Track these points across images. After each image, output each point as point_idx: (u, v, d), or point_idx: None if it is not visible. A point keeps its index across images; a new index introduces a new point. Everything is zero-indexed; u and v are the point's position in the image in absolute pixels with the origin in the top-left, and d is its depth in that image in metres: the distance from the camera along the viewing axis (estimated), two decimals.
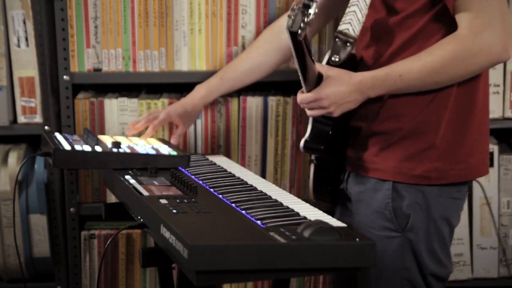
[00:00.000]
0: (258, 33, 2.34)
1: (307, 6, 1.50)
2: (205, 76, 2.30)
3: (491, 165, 2.43)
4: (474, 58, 1.66)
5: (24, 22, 2.36)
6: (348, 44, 1.74)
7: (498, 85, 2.41)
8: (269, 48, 2.13)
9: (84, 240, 2.42)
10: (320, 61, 1.81)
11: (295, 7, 1.52)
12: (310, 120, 1.83)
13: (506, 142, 2.54)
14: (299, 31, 1.53)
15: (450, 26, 1.70)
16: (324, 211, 1.59)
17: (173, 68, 2.36)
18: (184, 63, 2.36)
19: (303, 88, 1.75)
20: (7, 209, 2.39)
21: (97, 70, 2.36)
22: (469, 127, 1.76)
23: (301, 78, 1.71)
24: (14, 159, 2.40)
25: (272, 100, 2.36)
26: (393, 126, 1.77)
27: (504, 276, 2.50)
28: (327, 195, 1.93)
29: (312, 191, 1.92)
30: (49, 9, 2.35)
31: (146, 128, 2.21)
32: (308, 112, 1.76)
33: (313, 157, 1.89)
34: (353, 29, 1.74)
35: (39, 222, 2.42)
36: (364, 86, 1.71)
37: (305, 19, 1.51)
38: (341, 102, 1.72)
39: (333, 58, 1.76)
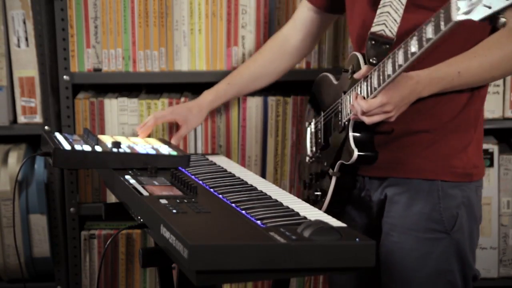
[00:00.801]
0: (258, 33, 2.34)
1: None
2: (205, 76, 2.30)
3: (491, 165, 2.43)
4: None
5: (24, 22, 2.36)
6: (385, 45, 1.68)
7: (498, 85, 2.41)
8: (274, 56, 2.14)
9: (84, 240, 2.42)
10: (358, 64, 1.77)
11: None
12: (351, 131, 1.73)
13: (506, 142, 2.54)
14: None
15: (486, 26, 1.68)
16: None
17: (173, 68, 2.36)
18: (184, 63, 2.36)
19: (365, 94, 1.67)
20: (7, 209, 2.39)
21: (97, 70, 2.37)
22: (482, 123, 1.80)
23: (386, 82, 1.60)
24: (14, 159, 2.41)
25: (272, 100, 2.36)
26: (434, 124, 1.75)
27: (504, 276, 2.50)
28: (342, 207, 1.89)
29: (327, 207, 1.85)
30: (49, 9, 2.35)
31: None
32: (368, 119, 1.65)
33: (336, 169, 1.81)
34: (390, 30, 1.69)
35: (39, 222, 2.42)
36: (420, 86, 1.65)
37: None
38: (401, 105, 1.64)
39: (371, 60, 1.69)
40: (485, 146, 2.37)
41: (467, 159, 1.76)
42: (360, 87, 1.71)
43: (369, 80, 1.67)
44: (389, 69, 1.59)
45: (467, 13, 1.36)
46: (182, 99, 2.36)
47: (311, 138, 2.03)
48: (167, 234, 1.38)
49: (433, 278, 1.77)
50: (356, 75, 1.75)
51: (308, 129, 2.06)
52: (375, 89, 1.64)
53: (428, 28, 1.46)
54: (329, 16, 2.07)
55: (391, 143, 1.78)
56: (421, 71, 1.67)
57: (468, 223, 1.77)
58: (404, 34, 1.68)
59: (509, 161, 2.45)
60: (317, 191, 1.91)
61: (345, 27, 2.36)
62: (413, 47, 1.50)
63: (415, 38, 1.50)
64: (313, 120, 2.04)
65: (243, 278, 1.74)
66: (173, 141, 2.19)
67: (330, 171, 1.83)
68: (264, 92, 2.41)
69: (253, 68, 2.16)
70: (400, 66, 1.55)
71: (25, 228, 2.41)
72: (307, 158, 2.03)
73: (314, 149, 2.00)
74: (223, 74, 2.34)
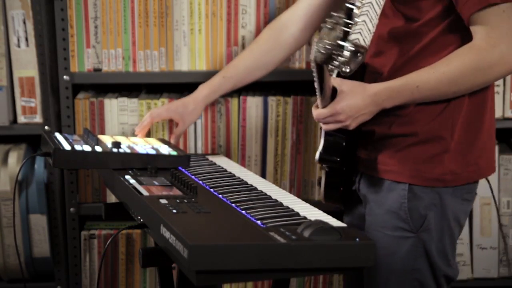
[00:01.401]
0: (258, 33, 2.33)
1: (340, 46, 1.45)
2: (205, 76, 2.30)
3: None
4: (492, 69, 1.66)
5: (24, 22, 2.36)
6: (358, 54, 1.69)
7: (498, 85, 2.41)
8: (270, 46, 2.13)
9: (84, 240, 2.42)
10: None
11: (324, 42, 1.45)
12: (323, 133, 1.81)
13: (506, 142, 2.54)
14: (327, 64, 1.50)
15: (464, 37, 1.70)
16: (328, 211, 1.59)
17: (173, 68, 2.36)
18: (184, 63, 2.36)
19: (318, 103, 1.73)
20: (7, 209, 2.39)
21: (97, 70, 2.36)
22: (480, 131, 1.78)
23: (318, 93, 1.69)
24: (14, 159, 2.41)
25: (272, 100, 2.36)
26: (409, 130, 1.77)
27: (504, 276, 2.50)
28: (338, 197, 1.92)
29: (324, 195, 1.92)
30: (49, 9, 2.35)
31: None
32: (324, 127, 1.74)
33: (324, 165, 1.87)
34: (364, 39, 1.70)
35: (39, 222, 2.42)
36: (379, 98, 1.70)
37: (337, 58, 1.46)
38: (357, 115, 1.70)
39: (344, 69, 1.70)
40: None
41: (441, 165, 1.75)
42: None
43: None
44: (316, 83, 1.66)
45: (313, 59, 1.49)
46: None
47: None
48: (167, 234, 1.38)
49: (400, 276, 1.79)
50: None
51: None
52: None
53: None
54: (336, 3, 2.05)
55: (374, 143, 1.82)
56: (380, 83, 1.72)
57: (438, 225, 1.77)
58: (379, 38, 1.77)
59: (509, 161, 2.45)
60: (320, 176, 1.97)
61: None
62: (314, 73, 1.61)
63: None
64: None
65: (243, 278, 1.74)
66: (172, 140, 2.19)
67: (322, 165, 1.89)
68: (264, 92, 2.41)
69: (249, 60, 2.15)
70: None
71: (25, 228, 2.41)
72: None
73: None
74: None
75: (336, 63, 1.47)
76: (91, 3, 2.32)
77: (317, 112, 1.72)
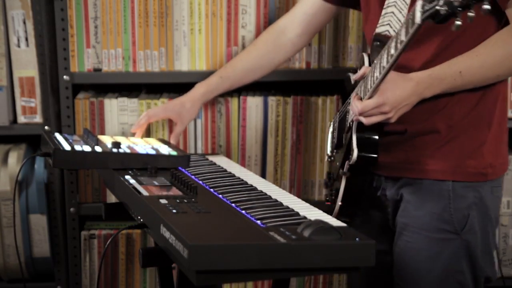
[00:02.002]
0: (258, 33, 2.34)
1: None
2: (205, 76, 2.30)
3: None
4: None
5: (24, 22, 2.36)
6: None
7: None
8: (268, 49, 2.13)
9: (84, 240, 2.42)
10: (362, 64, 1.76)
11: None
12: (354, 131, 1.72)
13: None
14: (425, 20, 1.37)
15: (498, 23, 1.68)
16: (327, 211, 1.59)
17: (173, 68, 2.36)
18: (184, 63, 2.36)
19: (362, 95, 1.67)
20: (7, 209, 2.39)
21: (97, 70, 2.37)
22: (505, 121, 1.79)
23: (375, 84, 1.59)
24: (14, 159, 2.41)
25: (272, 100, 2.36)
26: (446, 124, 1.74)
27: (504, 276, 2.50)
28: (357, 206, 1.86)
29: (339, 208, 1.84)
30: (49, 9, 2.35)
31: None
32: (366, 120, 1.64)
33: (345, 169, 1.80)
34: (394, 30, 1.68)
35: (39, 222, 2.42)
36: (421, 87, 1.64)
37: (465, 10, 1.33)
38: (400, 106, 1.63)
39: (375, 61, 1.68)
40: None
41: (481, 158, 1.74)
42: (360, 87, 1.71)
43: (365, 81, 1.67)
44: (377, 71, 1.59)
45: (428, 16, 1.35)
46: None
47: (330, 138, 2.02)
48: (167, 234, 1.38)
49: (442, 278, 1.76)
50: (354, 76, 1.76)
51: (330, 128, 2.05)
52: (368, 90, 1.64)
53: (402, 31, 1.46)
54: (337, 10, 2.05)
55: (404, 143, 1.78)
56: (421, 72, 1.66)
57: (481, 224, 1.75)
58: None
59: (509, 161, 2.45)
60: (332, 191, 1.91)
61: (345, 27, 2.35)
62: (392, 49, 1.50)
63: (394, 40, 1.50)
64: (333, 119, 2.04)
65: (243, 278, 1.74)
66: (171, 140, 2.19)
67: (341, 170, 1.82)
68: (264, 92, 2.41)
69: (246, 62, 2.15)
70: (383, 68, 1.55)
71: (25, 228, 2.41)
72: (326, 157, 2.03)
73: (331, 148, 1.99)
74: None
75: (470, 14, 1.31)
76: (91, 3, 2.32)
77: (364, 104, 1.62)
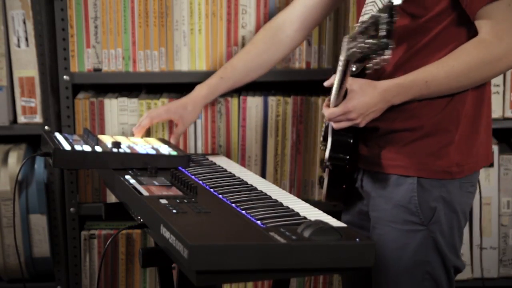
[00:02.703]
0: None
1: (384, 46, 1.42)
2: (205, 76, 2.30)
3: (491, 165, 2.43)
4: (498, 62, 1.69)
5: (24, 22, 2.36)
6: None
7: (498, 85, 2.41)
8: (266, 46, 2.13)
9: (84, 240, 2.42)
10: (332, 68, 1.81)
11: (365, 42, 1.45)
12: (330, 132, 1.82)
13: (506, 142, 2.54)
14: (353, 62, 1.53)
15: (468, 32, 1.72)
16: (327, 210, 1.59)
17: (173, 68, 2.36)
18: (184, 63, 2.36)
19: (330, 102, 1.75)
20: (7, 209, 2.39)
21: (97, 70, 2.36)
22: (480, 121, 1.81)
23: (335, 92, 1.70)
24: (14, 159, 2.41)
25: (272, 100, 2.36)
26: (415, 124, 1.78)
27: (504, 276, 2.50)
28: (341, 195, 1.94)
29: (326, 194, 1.93)
30: (49, 9, 2.35)
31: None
32: (335, 125, 1.75)
33: (328, 163, 1.86)
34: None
35: (39, 222, 2.42)
36: (389, 95, 1.72)
37: (376, 58, 1.46)
38: (367, 113, 1.72)
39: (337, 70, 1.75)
40: None
41: (447, 158, 1.77)
42: (331, 94, 1.77)
43: (332, 89, 1.74)
44: (336, 82, 1.68)
45: (350, 55, 1.53)
46: None
47: (325, 126, 2.05)
48: (167, 234, 1.38)
49: (411, 269, 1.80)
50: (325, 83, 1.85)
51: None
52: (333, 97, 1.72)
53: (341, 56, 1.60)
54: (332, 4, 2.07)
55: (377, 139, 1.83)
56: (388, 80, 1.73)
57: (447, 217, 1.79)
58: None
59: (509, 161, 2.45)
60: (322, 177, 1.97)
61: (345, 27, 2.35)
62: (339, 67, 1.63)
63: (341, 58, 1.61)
64: None
65: (243, 278, 1.74)
66: (172, 140, 2.19)
67: (325, 163, 1.88)
68: (264, 92, 2.41)
69: (246, 61, 2.15)
70: (336, 81, 1.67)
71: (25, 228, 2.41)
72: (321, 146, 2.06)
73: (323, 136, 2.03)
74: None
75: (375, 61, 1.46)
76: (91, 3, 2.32)
77: (330, 111, 1.73)
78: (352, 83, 1.71)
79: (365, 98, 1.70)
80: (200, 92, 2.17)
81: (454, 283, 1.84)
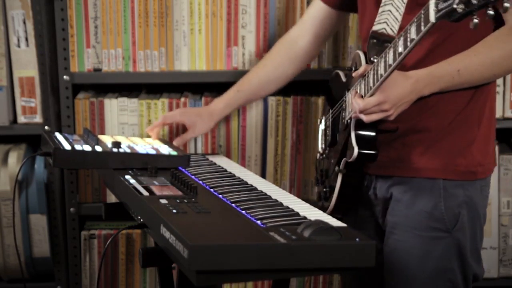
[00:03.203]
0: (258, 33, 2.34)
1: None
2: (205, 76, 2.31)
3: None
4: None
5: (24, 22, 2.36)
6: (386, 43, 1.67)
7: (498, 85, 2.41)
8: (283, 60, 2.12)
9: (84, 240, 2.42)
10: (360, 62, 1.77)
11: None
12: (352, 128, 1.73)
13: (506, 142, 2.54)
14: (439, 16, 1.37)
15: (490, 26, 1.69)
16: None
17: (173, 68, 2.36)
18: (184, 63, 2.36)
19: (363, 93, 1.68)
20: (7, 209, 2.39)
21: (97, 70, 2.36)
22: (493, 120, 1.80)
23: (379, 81, 1.61)
24: (14, 159, 2.40)
25: (272, 100, 2.36)
26: (437, 123, 1.75)
27: (504, 276, 2.50)
28: (353, 203, 1.88)
29: (334, 206, 1.86)
30: (49, 9, 2.35)
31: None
32: (366, 118, 1.66)
33: (341, 166, 1.81)
34: (391, 28, 1.70)
35: (39, 222, 2.42)
36: (420, 85, 1.65)
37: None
38: (399, 104, 1.65)
39: (372, 59, 1.71)
40: None
41: (471, 157, 1.75)
42: (359, 85, 1.72)
43: (366, 79, 1.68)
44: (381, 68, 1.60)
45: (444, 15, 1.35)
46: (182, 99, 2.36)
47: (322, 135, 2.03)
48: (167, 234, 1.38)
49: (434, 277, 1.77)
50: (354, 74, 1.76)
51: (320, 126, 2.06)
52: (370, 88, 1.65)
53: (412, 29, 1.46)
54: (340, 15, 2.05)
55: (396, 142, 1.79)
56: (420, 70, 1.67)
57: (470, 222, 1.76)
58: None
59: (509, 161, 2.45)
60: (326, 188, 1.91)
61: (345, 27, 2.35)
62: (400, 47, 1.51)
63: (402, 38, 1.51)
64: (324, 117, 2.04)
65: (243, 278, 1.74)
66: (175, 142, 2.19)
67: (336, 168, 1.83)
68: None
69: (262, 74, 2.15)
70: (390, 65, 1.56)
71: (25, 228, 2.41)
72: (318, 155, 2.04)
73: (323, 146, 2.00)
74: (223, 74, 2.35)
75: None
76: (91, 3, 2.32)
77: (366, 101, 1.64)
78: None
79: (399, 88, 1.63)
80: (218, 105, 2.18)
81: None
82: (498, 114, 2.43)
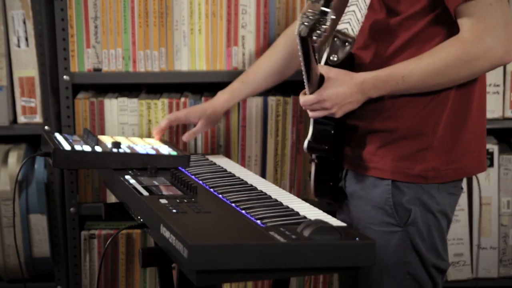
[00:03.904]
0: (258, 33, 2.34)
1: (324, 13, 1.50)
2: (205, 76, 2.30)
3: (491, 165, 2.43)
4: (476, 61, 1.67)
5: (24, 22, 2.36)
6: (347, 43, 1.76)
7: (498, 85, 2.41)
8: (287, 52, 2.13)
9: (84, 240, 2.42)
10: (318, 60, 1.81)
11: (307, 13, 1.51)
12: (312, 121, 1.83)
13: (506, 142, 2.54)
14: (311, 37, 1.53)
15: (450, 29, 1.72)
16: (324, 210, 1.59)
17: (173, 68, 2.36)
18: (184, 63, 2.36)
19: (306, 90, 1.75)
20: (7, 209, 2.39)
21: (97, 70, 2.36)
22: (464, 129, 1.79)
23: (305, 79, 1.71)
24: (14, 159, 2.40)
25: (272, 100, 2.36)
26: (391, 125, 1.78)
27: (504, 276, 2.50)
28: (328, 193, 1.94)
29: (313, 189, 1.93)
30: (49, 9, 2.35)
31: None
32: (310, 114, 1.76)
33: (313, 156, 1.89)
34: (352, 29, 1.75)
35: (39, 222, 2.42)
36: (366, 87, 1.72)
37: (320, 27, 1.51)
38: (343, 103, 1.72)
39: (331, 58, 1.77)
40: None
41: (423, 162, 1.76)
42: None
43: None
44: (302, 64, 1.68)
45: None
46: (182, 99, 2.36)
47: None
48: (167, 234, 1.38)
49: (392, 270, 1.80)
50: None
51: None
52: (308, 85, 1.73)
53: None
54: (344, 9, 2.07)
55: (357, 139, 1.83)
56: (366, 72, 1.73)
57: (423, 218, 1.79)
58: (369, 32, 1.79)
59: (509, 161, 2.45)
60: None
61: None
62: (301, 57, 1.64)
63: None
64: None
65: (243, 277, 1.74)
66: (184, 136, 2.20)
67: (310, 156, 1.90)
68: (264, 92, 2.41)
69: (267, 66, 2.16)
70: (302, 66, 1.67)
71: (25, 228, 2.41)
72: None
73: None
74: (223, 74, 2.35)
75: (319, 32, 1.50)
76: (91, 3, 2.32)
77: (304, 98, 1.75)
78: (329, 71, 1.72)
79: (341, 88, 1.71)
80: (221, 97, 2.19)
81: (439, 283, 1.84)
82: (498, 114, 2.43)
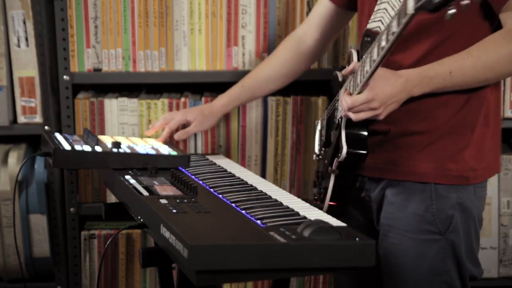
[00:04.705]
0: (258, 33, 2.34)
1: None
2: (205, 76, 2.30)
3: None
4: None
5: (24, 22, 2.36)
6: None
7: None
8: (289, 57, 2.11)
9: (84, 240, 2.42)
10: (349, 60, 1.77)
11: None
12: (343, 129, 1.71)
13: (506, 142, 2.54)
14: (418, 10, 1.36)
15: (491, 27, 1.67)
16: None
17: (173, 68, 2.36)
18: (184, 63, 2.36)
19: (350, 89, 1.66)
20: (7, 209, 2.39)
21: (97, 70, 2.37)
22: (492, 127, 1.76)
23: (365, 78, 1.58)
24: (14, 159, 2.41)
25: (272, 100, 2.36)
26: (429, 126, 1.73)
27: (504, 276, 2.50)
28: (347, 200, 1.87)
29: (329, 206, 1.85)
30: (49, 9, 2.35)
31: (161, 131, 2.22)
32: (354, 116, 1.62)
33: (334, 166, 1.78)
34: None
35: (39, 222, 2.42)
36: (410, 84, 1.62)
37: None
38: (389, 103, 1.61)
39: (365, 56, 1.67)
40: None
41: (463, 162, 1.73)
42: (349, 83, 1.70)
43: (355, 76, 1.66)
44: (367, 65, 1.57)
45: (421, 6, 1.33)
46: (182, 99, 2.36)
47: (318, 136, 2.02)
48: (167, 234, 1.38)
49: (429, 279, 1.76)
50: (343, 71, 1.76)
51: (317, 126, 2.05)
52: (357, 85, 1.63)
53: (393, 22, 1.44)
54: (346, 14, 2.03)
55: (387, 144, 1.77)
56: (411, 69, 1.65)
57: (464, 224, 1.75)
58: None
59: (509, 161, 2.45)
60: (321, 189, 1.91)
61: (345, 27, 2.35)
62: (383, 41, 1.49)
63: (385, 32, 1.48)
64: (320, 118, 2.04)
65: (243, 278, 1.74)
66: (177, 134, 2.15)
67: (329, 168, 1.81)
68: None
69: (268, 71, 2.13)
70: (374, 61, 1.53)
71: (25, 228, 2.41)
72: (314, 156, 2.03)
73: (319, 147, 2.00)
74: (223, 74, 2.35)
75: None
76: (91, 3, 2.32)
77: (353, 99, 1.61)
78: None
79: (388, 87, 1.60)
80: (220, 101, 2.17)
81: None
82: None
